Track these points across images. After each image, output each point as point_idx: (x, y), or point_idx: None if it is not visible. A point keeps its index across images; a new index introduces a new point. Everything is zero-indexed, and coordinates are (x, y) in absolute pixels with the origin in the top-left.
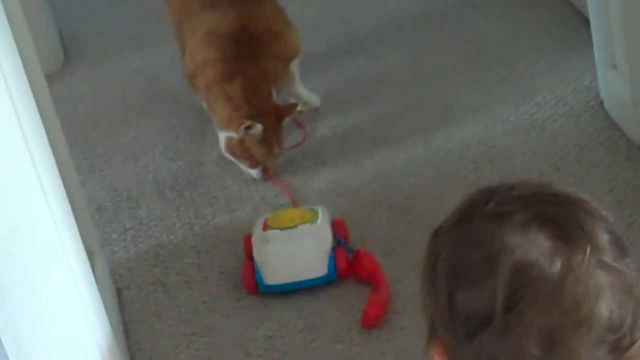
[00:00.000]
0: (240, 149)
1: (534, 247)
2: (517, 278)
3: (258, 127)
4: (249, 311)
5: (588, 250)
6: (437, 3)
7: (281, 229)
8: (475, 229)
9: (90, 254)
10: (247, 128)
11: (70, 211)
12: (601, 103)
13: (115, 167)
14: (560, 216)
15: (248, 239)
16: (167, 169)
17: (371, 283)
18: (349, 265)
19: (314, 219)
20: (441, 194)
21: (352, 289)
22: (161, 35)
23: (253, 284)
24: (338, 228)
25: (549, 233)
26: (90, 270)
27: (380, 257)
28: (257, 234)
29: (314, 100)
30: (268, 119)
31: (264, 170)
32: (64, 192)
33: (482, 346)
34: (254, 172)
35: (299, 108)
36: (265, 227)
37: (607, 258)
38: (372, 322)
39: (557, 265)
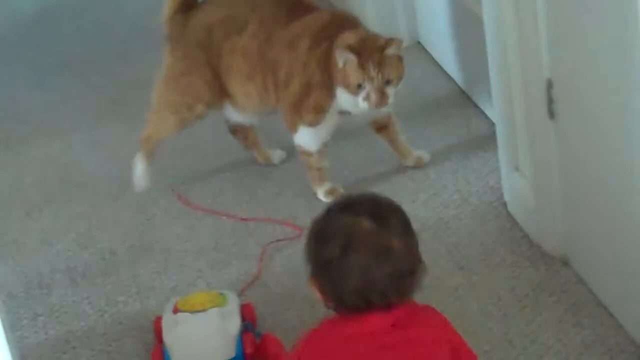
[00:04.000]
0: (342, 77)
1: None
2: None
3: (350, 57)
4: None
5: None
6: None
7: (191, 312)
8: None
9: None
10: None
11: None
12: (505, 204)
13: (27, 253)
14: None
15: (158, 322)
16: (80, 257)
17: None
18: (255, 350)
19: (223, 303)
20: None
21: None
22: (79, 122)
23: None
24: (246, 313)
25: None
26: None
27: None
28: (167, 317)
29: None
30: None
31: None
32: None
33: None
34: (361, 103)
35: None
36: (176, 310)
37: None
38: None
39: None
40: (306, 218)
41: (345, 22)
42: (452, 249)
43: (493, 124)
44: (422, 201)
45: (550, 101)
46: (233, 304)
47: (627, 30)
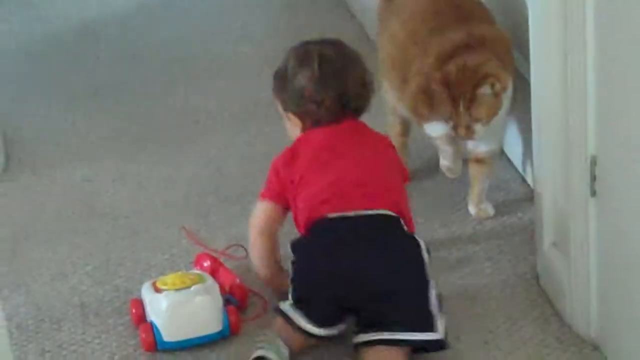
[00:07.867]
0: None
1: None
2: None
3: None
4: None
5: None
6: None
7: (175, 289)
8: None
9: None
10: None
11: None
12: (537, 277)
13: (41, 284)
14: None
15: (136, 303)
16: (94, 293)
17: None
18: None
19: (202, 280)
20: None
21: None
22: (108, 150)
23: (152, 343)
24: (222, 289)
25: None
26: None
27: None
28: (152, 296)
29: None
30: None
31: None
32: None
33: None
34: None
35: None
36: (158, 289)
37: None
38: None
39: None
40: None
41: (479, 44)
42: (478, 321)
43: (532, 190)
44: (449, 268)
45: (593, 178)
46: (211, 280)
47: None
